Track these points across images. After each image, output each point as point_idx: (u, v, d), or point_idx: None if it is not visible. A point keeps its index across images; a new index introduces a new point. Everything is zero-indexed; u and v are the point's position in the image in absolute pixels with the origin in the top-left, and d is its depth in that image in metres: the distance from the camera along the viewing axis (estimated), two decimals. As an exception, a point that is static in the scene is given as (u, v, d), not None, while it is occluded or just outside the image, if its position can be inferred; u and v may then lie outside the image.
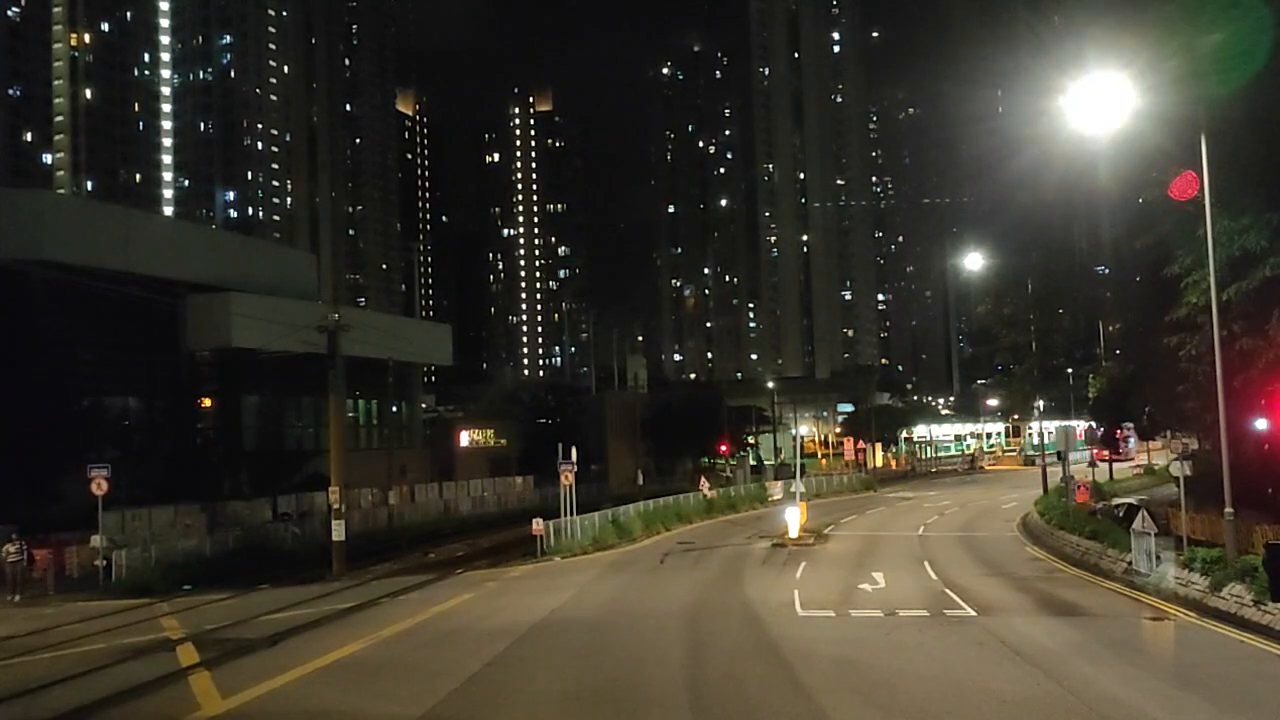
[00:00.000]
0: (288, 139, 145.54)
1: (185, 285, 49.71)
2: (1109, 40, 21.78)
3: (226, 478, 50.15)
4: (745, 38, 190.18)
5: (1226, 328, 21.11)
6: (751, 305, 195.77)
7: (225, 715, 13.34)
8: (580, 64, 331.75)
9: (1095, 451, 52.44)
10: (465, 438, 73.63)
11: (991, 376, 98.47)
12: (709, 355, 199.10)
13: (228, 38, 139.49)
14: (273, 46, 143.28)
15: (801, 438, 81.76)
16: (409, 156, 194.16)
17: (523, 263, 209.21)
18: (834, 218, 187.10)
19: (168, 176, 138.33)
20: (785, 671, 14.77)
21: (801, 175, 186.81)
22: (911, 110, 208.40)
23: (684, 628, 18.81)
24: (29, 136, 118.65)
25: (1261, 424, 22.09)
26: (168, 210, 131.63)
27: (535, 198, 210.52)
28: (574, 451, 36.25)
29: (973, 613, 19.37)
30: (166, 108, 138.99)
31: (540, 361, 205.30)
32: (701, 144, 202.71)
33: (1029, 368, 47.22)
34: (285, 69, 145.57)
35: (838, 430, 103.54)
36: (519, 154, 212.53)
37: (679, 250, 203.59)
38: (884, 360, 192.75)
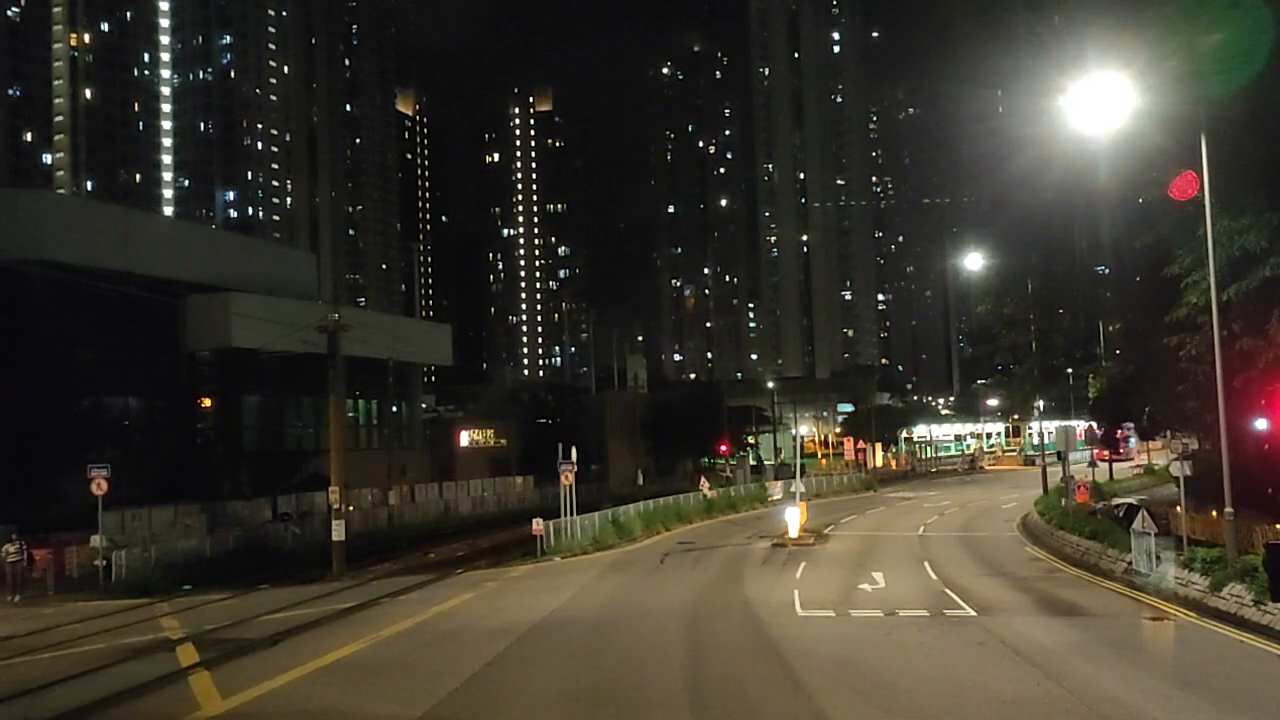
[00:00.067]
0: (288, 139, 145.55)
1: (185, 285, 49.70)
2: (1109, 40, 21.77)
3: (226, 478, 50.13)
4: (745, 38, 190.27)
5: (1226, 328, 21.11)
6: (751, 305, 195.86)
7: (225, 715, 13.34)
8: (580, 64, 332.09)
9: (1097, 451, 52.43)
10: (465, 438, 73.61)
11: (991, 376, 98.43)
12: (709, 355, 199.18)
13: (228, 38, 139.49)
14: (273, 46, 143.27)
15: (801, 438, 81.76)
16: (409, 156, 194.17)
17: (523, 263, 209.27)
18: (834, 218, 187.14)
19: (168, 176, 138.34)
20: (785, 671, 14.78)
21: (801, 175, 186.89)
22: (911, 110, 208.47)
23: (684, 628, 18.81)
24: (29, 136, 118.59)
25: (1261, 424, 22.10)
26: (168, 210, 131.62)
27: (535, 198, 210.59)
28: (574, 451, 36.25)
29: (973, 613, 19.37)
30: (166, 108, 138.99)
31: (540, 361, 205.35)
32: (701, 144, 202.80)
33: (1029, 368, 47.20)
34: (285, 69, 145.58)
35: (838, 430, 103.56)
36: (519, 154, 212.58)
37: (679, 250, 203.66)
38: (884, 360, 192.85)
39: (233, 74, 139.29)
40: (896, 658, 15.56)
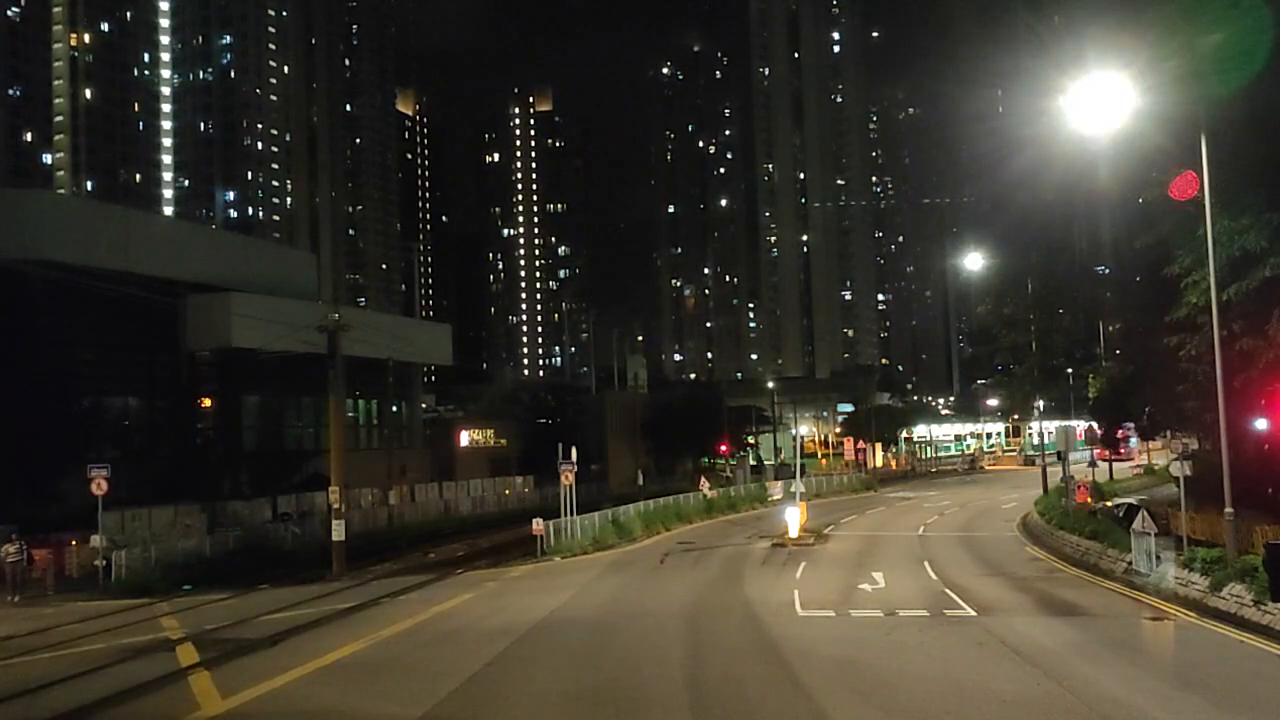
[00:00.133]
0: (288, 139, 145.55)
1: (185, 285, 49.70)
2: (1109, 40, 21.77)
3: (226, 478, 50.13)
4: (745, 38, 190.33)
5: (1226, 328, 21.10)
6: (751, 305, 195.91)
7: (225, 715, 13.34)
8: (580, 64, 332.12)
9: (1098, 451, 52.39)
10: (465, 438, 73.61)
11: (991, 376, 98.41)
12: (709, 355, 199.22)
13: (228, 38, 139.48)
14: (273, 46, 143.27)
15: (801, 438, 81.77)
16: (409, 156, 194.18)
17: (523, 263, 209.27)
18: (834, 218, 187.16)
19: (168, 176, 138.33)
20: (785, 671, 14.77)
21: (801, 175, 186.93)
22: (911, 110, 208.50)
23: (684, 628, 18.81)
24: (29, 136, 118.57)
25: (1261, 424, 22.10)
26: (168, 210, 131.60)
27: (535, 198, 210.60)
28: (574, 451, 36.24)
29: (973, 613, 19.37)
30: (166, 108, 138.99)
31: (540, 361, 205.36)
32: (701, 144, 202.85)
33: (1029, 368, 47.18)
34: (285, 69, 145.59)
35: (838, 430, 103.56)
36: (519, 154, 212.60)
37: (679, 250, 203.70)
38: (884, 360, 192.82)
39: (233, 74, 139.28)
40: (896, 658, 15.55)
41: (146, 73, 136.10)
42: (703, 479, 55.12)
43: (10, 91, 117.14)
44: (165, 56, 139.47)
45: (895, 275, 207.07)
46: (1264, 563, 17.33)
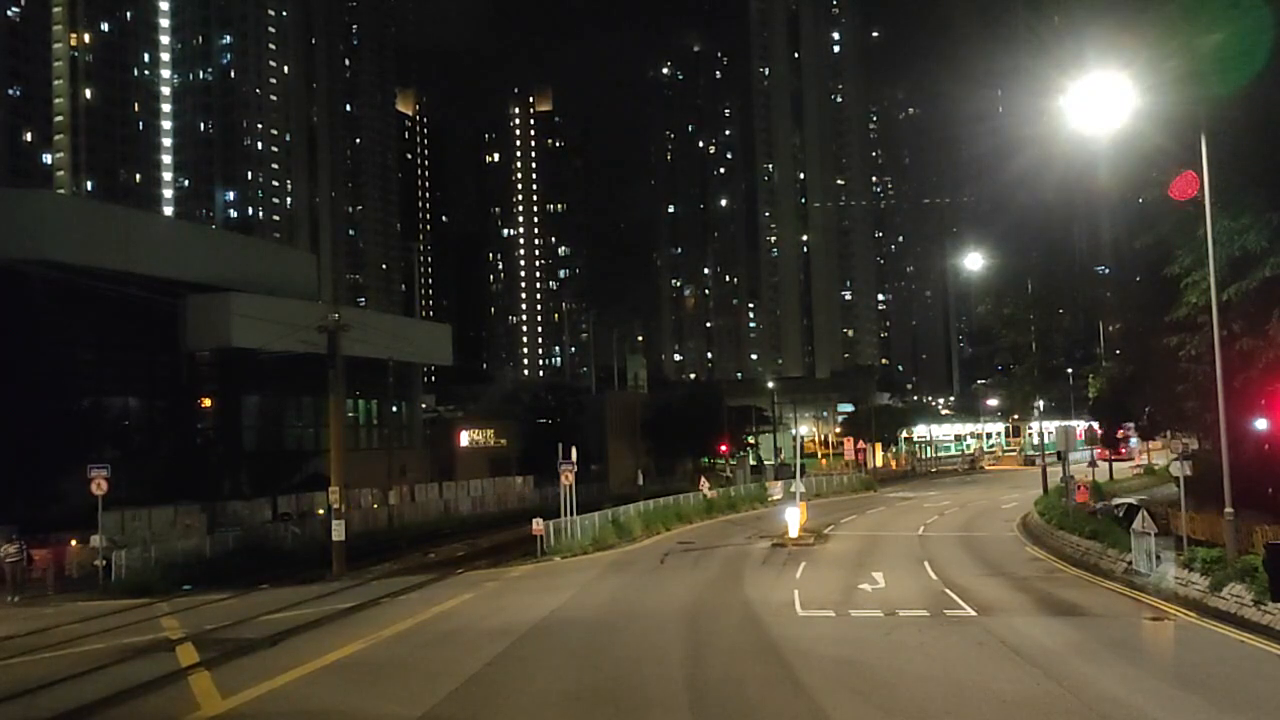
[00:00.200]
0: (288, 139, 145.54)
1: (185, 285, 49.67)
2: (1109, 40, 21.76)
3: (226, 478, 50.11)
4: (745, 38, 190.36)
5: (1226, 328, 21.10)
6: (751, 305, 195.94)
7: (225, 715, 13.34)
8: (580, 64, 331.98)
9: (1100, 451, 52.36)
10: (465, 438, 73.61)
11: (991, 376, 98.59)
12: (709, 355, 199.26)
13: (228, 38, 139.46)
14: (273, 46, 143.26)
15: (801, 438, 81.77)
16: (409, 156, 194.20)
17: (523, 263, 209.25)
18: (834, 218, 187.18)
19: (168, 176, 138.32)
20: (785, 671, 14.77)
21: (801, 175, 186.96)
22: (911, 110, 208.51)
23: (684, 628, 18.81)
24: (29, 136, 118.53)
25: (1261, 424, 22.09)
26: (168, 210, 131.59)
27: (535, 198, 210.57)
28: (574, 451, 36.24)
29: (973, 613, 19.37)
30: (166, 108, 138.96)
31: (540, 361, 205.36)
32: (701, 144, 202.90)
33: (1029, 368, 47.18)
34: (285, 69, 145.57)
35: (838, 430, 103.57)
36: (519, 154, 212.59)
37: (679, 250, 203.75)
38: (884, 360, 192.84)
39: (233, 74, 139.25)
40: (896, 658, 15.55)
41: (146, 73, 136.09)
42: (703, 479, 55.11)
43: (10, 91, 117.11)
44: (165, 56, 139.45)
45: (895, 275, 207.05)
46: (1264, 563, 17.33)
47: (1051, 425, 54.01)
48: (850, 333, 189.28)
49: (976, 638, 16.85)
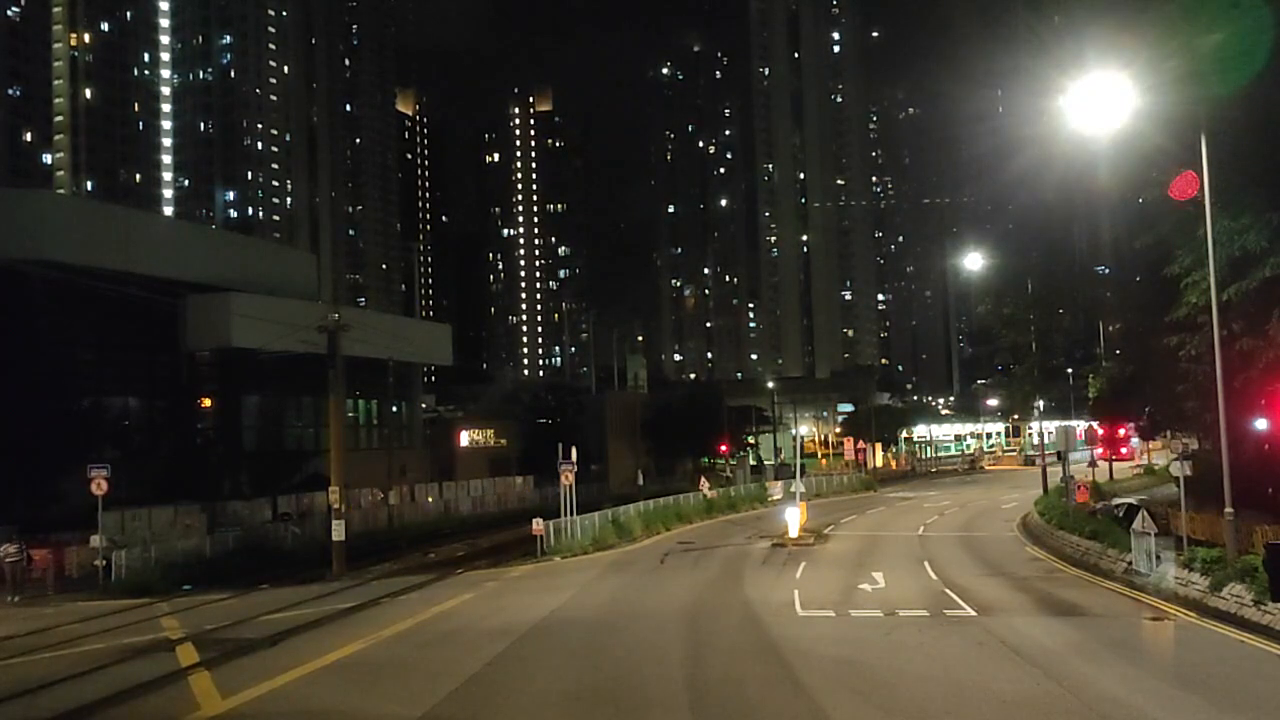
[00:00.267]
0: (288, 139, 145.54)
1: (185, 285, 49.66)
2: (1109, 40, 21.76)
3: (226, 478, 50.11)
4: (745, 38, 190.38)
5: (1226, 328, 21.10)
6: (751, 305, 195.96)
7: (225, 715, 13.34)
8: (580, 64, 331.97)
9: (1102, 451, 52.34)
10: (465, 438, 73.61)
11: (991, 376, 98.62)
12: (709, 355, 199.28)
13: (228, 38, 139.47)
14: (273, 46, 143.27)
15: (801, 438, 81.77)
16: (409, 156, 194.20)
17: (523, 263, 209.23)
18: (834, 218, 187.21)
19: (168, 176, 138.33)
20: (785, 671, 14.77)
21: (801, 175, 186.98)
22: (911, 110, 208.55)
23: (684, 628, 18.80)
24: (29, 136, 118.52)
25: (1261, 424, 22.09)
26: (168, 210, 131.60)
27: (535, 198, 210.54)
28: (574, 451, 36.23)
29: (973, 613, 19.37)
30: (166, 108, 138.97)
31: (540, 361, 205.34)
32: (701, 144, 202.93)
33: (1029, 368, 47.17)
34: (285, 69, 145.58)
35: (838, 430, 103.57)
36: (519, 154, 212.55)
37: (679, 250, 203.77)
38: (884, 360, 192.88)
39: (233, 74, 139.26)
40: (896, 658, 15.55)
41: (146, 73, 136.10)
42: (703, 479, 55.11)
43: (10, 91, 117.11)
44: (165, 56, 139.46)
45: (895, 275, 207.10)
46: (1264, 563, 17.33)
47: (1051, 425, 54.01)
48: (850, 333, 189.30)
49: (976, 638, 16.85)
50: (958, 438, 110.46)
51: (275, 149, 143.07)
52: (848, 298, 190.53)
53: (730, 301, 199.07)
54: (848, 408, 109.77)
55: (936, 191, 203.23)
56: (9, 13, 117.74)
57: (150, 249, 49.51)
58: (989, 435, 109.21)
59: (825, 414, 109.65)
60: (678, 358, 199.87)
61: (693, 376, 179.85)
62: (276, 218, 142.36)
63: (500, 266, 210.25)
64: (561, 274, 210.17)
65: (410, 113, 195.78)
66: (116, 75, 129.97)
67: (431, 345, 73.04)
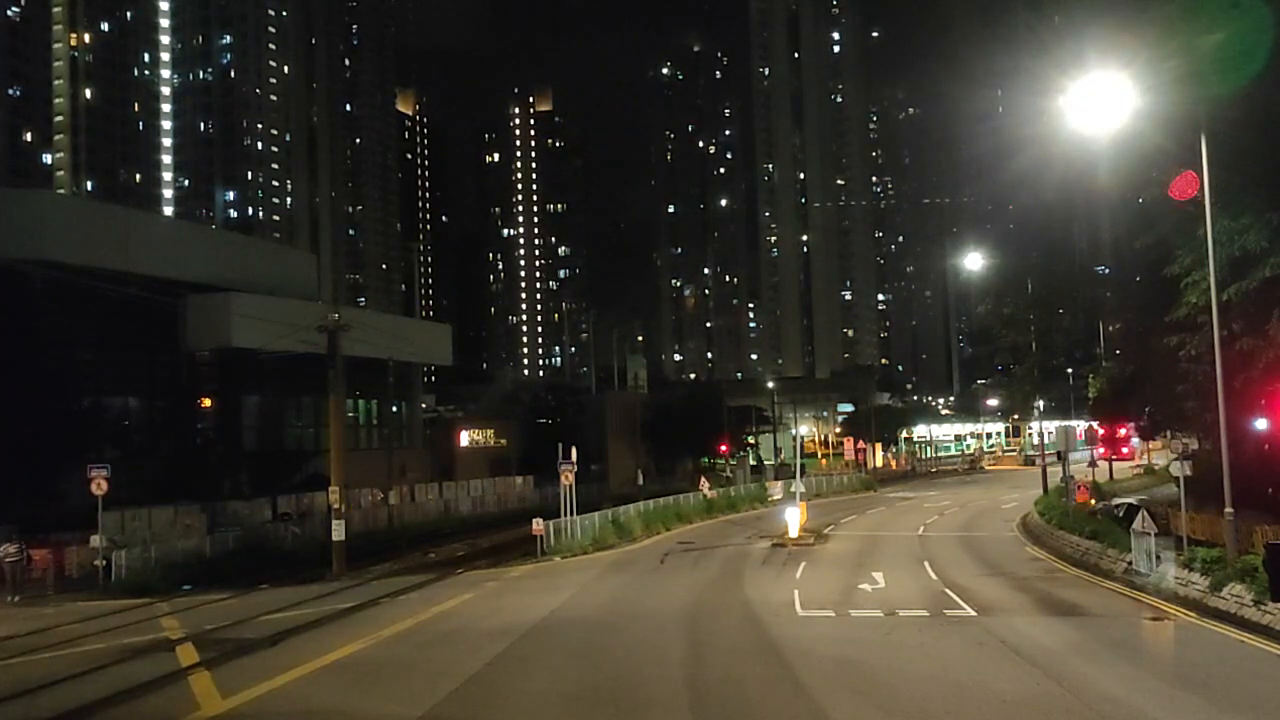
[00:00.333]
0: (288, 139, 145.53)
1: (185, 285, 49.65)
2: (1109, 40, 21.75)
3: (226, 478, 50.11)
4: (745, 38, 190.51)
5: (1226, 328, 21.09)
6: (751, 305, 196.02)
7: (225, 715, 13.34)
8: (580, 64, 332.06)
9: (1104, 451, 52.35)
10: (465, 438, 73.59)
11: (991, 376, 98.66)
12: (709, 355, 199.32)
13: (228, 38, 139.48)
14: (273, 46, 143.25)
15: (801, 438, 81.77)
16: (409, 156, 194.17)
17: (523, 263, 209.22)
18: (834, 218, 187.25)
19: (168, 176, 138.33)
20: (785, 671, 14.77)
21: (801, 175, 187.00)
22: (911, 110, 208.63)
23: (684, 628, 18.81)
24: (29, 136, 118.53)
25: (1261, 424, 22.09)
26: (168, 210, 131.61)
27: (535, 198, 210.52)
28: (574, 451, 36.22)
29: (973, 613, 19.37)
30: (166, 108, 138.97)
31: (540, 361, 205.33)
32: (701, 144, 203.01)
33: (1029, 368, 47.17)
34: (285, 69, 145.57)
35: (838, 430, 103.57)
36: (519, 154, 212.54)
37: (679, 250, 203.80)
38: (884, 360, 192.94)
39: (233, 74, 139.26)
40: (896, 658, 15.56)
41: (146, 73, 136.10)
42: (703, 479, 55.09)
43: (10, 91, 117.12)
44: (165, 56, 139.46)
45: (895, 275, 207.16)
46: (1264, 563, 17.33)
47: (1051, 425, 54.02)
48: (850, 333, 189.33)
49: (976, 638, 16.85)
50: (958, 438, 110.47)
51: (275, 149, 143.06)
52: (848, 298, 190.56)
53: (730, 301, 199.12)
54: (848, 408, 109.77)
55: (936, 191, 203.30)
56: (9, 13, 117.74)
57: (150, 249, 49.51)
58: (989, 435, 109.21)
59: (825, 414, 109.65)
60: (678, 358, 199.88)
61: (693, 376, 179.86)
62: (276, 218, 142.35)
63: (500, 266, 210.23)
64: (561, 274, 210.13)
65: (410, 113, 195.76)
66: (116, 75, 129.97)
67: (431, 345, 73.01)
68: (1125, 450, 66.42)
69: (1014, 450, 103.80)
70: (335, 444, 35.26)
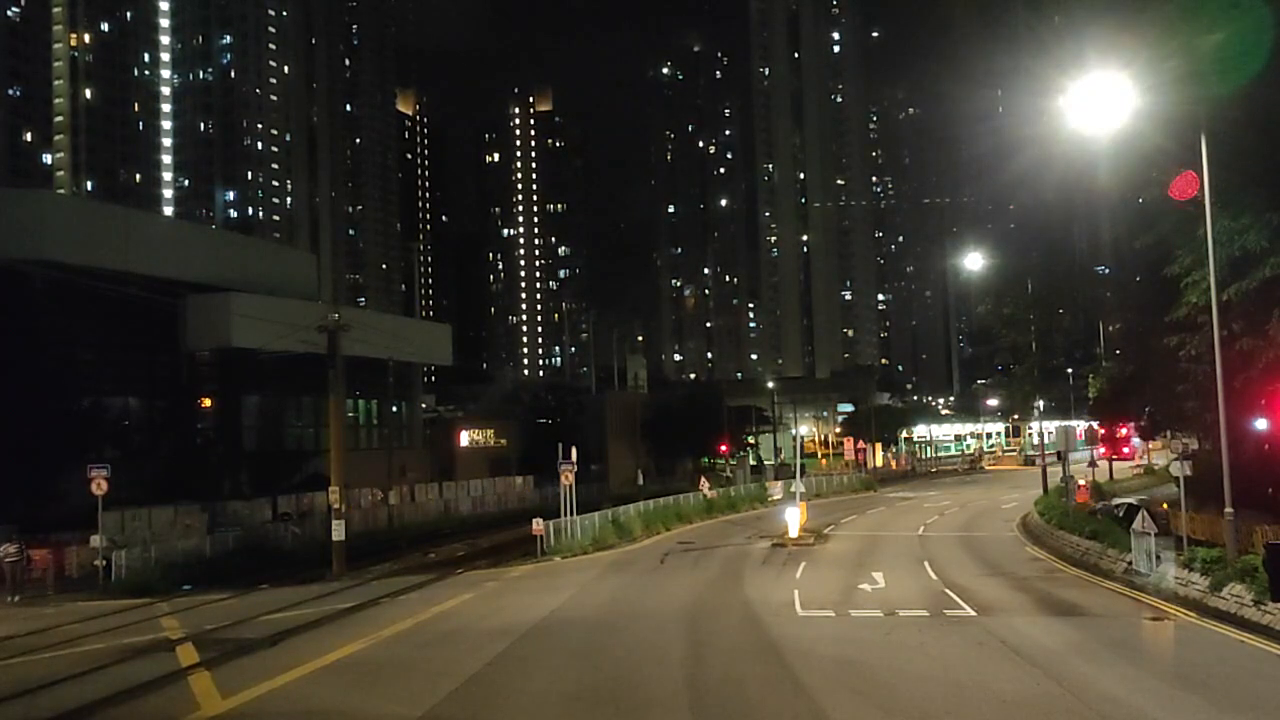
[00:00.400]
0: (288, 139, 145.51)
1: (185, 285, 49.66)
2: (1109, 40, 21.75)
3: (226, 478, 50.12)
4: (745, 38, 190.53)
5: (1226, 328, 21.10)
6: (751, 305, 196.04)
7: (225, 715, 13.34)
8: (580, 64, 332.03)
9: (1105, 450, 52.35)
10: (465, 438, 73.59)
11: (991, 376, 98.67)
12: (709, 355, 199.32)
13: (228, 38, 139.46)
14: (273, 46, 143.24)
15: (801, 438, 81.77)
16: (409, 156, 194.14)
17: (523, 263, 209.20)
18: (834, 218, 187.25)
19: (168, 176, 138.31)
20: (785, 671, 14.77)
21: (801, 175, 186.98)
22: (911, 110, 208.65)
23: (684, 628, 18.81)
24: (29, 136, 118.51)
25: (1261, 424, 22.10)
26: (168, 210, 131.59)
27: (535, 198, 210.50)
28: (574, 451, 36.22)
29: (973, 613, 19.38)
30: (166, 108, 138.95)
31: (540, 361, 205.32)
32: (701, 144, 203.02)
33: (1029, 368, 47.17)
34: (285, 69, 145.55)
35: (838, 430, 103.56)
36: (519, 154, 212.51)
37: (679, 250, 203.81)
38: (884, 360, 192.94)
39: (233, 74, 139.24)
40: (896, 658, 15.56)
41: (146, 73, 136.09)
42: (703, 479, 55.09)
43: (10, 91, 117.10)
44: (165, 56, 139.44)
45: (895, 275, 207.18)
46: (1264, 563, 17.34)
47: (1051, 425, 54.02)
48: (850, 333, 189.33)
49: (976, 638, 16.85)
50: (958, 438, 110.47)
51: (275, 149, 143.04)
52: (848, 298, 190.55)
53: (730, 301, 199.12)
54: (848, 408, 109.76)
55: (936, 191, 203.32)
56: (9, 13, 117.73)
57: (150, 249, 49.51)
58: (989, 435, 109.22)
59: (825, 414, 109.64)
60: (678, 358, 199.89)
61: (693, 376, 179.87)
62: (276, 218, 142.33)
63: (500, 266, 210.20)
64: (561, 274, 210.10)
65: (410, 113, 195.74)
66: (116, 75, 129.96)
67: (431, 345, 73.02)
68: (1126, 450, 66.46)
69: (1014, 450, 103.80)
70: (335, 444, 35.26)
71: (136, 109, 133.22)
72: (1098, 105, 19.09)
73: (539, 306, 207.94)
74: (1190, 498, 22.76)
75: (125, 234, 49.21)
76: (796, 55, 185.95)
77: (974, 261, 61.63)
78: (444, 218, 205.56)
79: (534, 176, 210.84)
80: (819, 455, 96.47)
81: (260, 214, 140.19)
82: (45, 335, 41.32)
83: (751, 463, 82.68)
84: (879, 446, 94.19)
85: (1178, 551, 21.26)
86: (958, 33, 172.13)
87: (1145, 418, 42.30)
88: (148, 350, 49.61)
